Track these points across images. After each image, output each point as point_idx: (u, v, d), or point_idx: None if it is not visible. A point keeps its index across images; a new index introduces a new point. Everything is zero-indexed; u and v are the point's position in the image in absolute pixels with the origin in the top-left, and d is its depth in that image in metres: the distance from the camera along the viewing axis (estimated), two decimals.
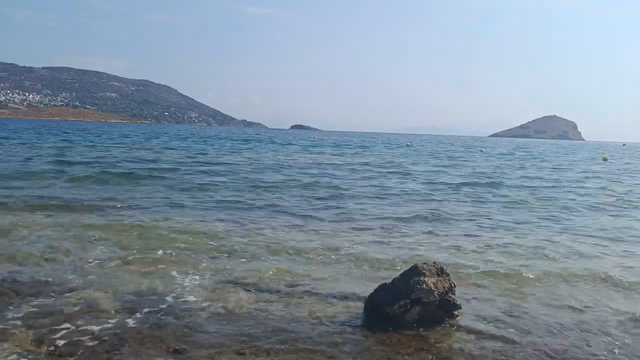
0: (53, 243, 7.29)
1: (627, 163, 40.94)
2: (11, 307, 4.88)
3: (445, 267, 5.17)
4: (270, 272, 6.35)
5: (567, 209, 12.86)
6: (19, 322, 4.53)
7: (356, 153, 39.58)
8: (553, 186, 18.73)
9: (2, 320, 4.55)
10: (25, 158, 21.96)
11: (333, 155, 35.63)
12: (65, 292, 5.36)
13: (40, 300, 5.11)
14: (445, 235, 8.95)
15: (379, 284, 5.23)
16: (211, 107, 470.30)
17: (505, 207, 12.86)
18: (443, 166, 28.27)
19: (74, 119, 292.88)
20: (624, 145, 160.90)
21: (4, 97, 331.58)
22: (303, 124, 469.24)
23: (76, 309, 4.91)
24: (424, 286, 4.83)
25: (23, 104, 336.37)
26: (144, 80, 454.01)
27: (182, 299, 5.32)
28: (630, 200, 15.08)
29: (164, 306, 5.11)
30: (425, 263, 5.17)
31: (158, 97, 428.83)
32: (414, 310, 4.83)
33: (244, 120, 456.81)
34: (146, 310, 4.98)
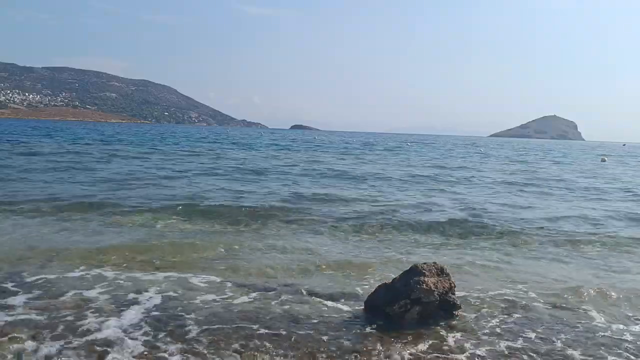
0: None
1: None
2: (13, 307, 4.90)
3: (445, 267, 5.17)
4: (272, 272, 6.37)
5: None
6: (19, 322, 4.54)
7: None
8: None
9: (3, 320, 4.56)
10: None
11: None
12: (66, 291, 5.38)
13: (41, 299, 5.13)
14: None
15: (379, 284, 5.24)
16: (211, 107, 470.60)
17: None
18: None
19: (74, 119, 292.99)
20: (623, 145, 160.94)
21: (4, 97, 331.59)
22: (303, 124, 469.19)
23: (77, 307, 4.93)
24: (424, 286, 4.83)
25: (23, 104, 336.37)
26: (144, 80, 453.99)
27: (183, 299, 5.33)
28: None
29: (165, 305, 5.12)
30: (425, 263, 5.17)
31: (158, 97, 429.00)
32: (414, 310, 4.83)
33: (243, 120, 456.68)
34: (146, 309, 4.99)
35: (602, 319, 5.21)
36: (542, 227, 9.89)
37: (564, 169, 30.42)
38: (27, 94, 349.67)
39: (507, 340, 4.59)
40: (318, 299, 5.48)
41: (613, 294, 5.87)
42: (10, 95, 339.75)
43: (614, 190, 17.74)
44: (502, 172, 24.65)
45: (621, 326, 5.03)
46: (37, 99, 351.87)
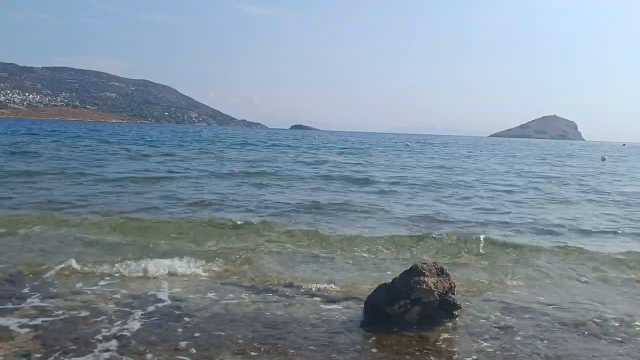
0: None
1: None
2: (13, 308, 4.90)
3: (445, 268, 5.17)
4: (271, 273, 6.38)
5: None
6: (20, 323, 4.54)
7: None
8: None
9: (3, 321, 4.57)
10: None
11: None
12: (68, 291, 5.39)
13: (42, 301, 5.13)
14: None
15: (379, 284, 5.24)
16: (211, 107, 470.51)
17: None
18: None
19: (74, 119, 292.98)
20: (623, 145, 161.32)
21: (4, 97, 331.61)
22: (303, 124, 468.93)
23: (77, 309, 4.93)
24: (424, 286, 4.83)
25: (23, 104, 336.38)
26: (144, 80, 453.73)
27: (183, 299, 5.34)
28: None
29: (165, 306, 5.13)
30: (425, 263, 5.17)
31: (158, 97, 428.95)
32: (414, 310, 4.83)
33: (243, 120, 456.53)
34: (147, 310, 4.99)
35: (606, 325, 5.19)
36: (548, 233, 9.83)
37: (570, 170, 30.41)
38: (27, 94, 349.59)
39: (507, 341, 4.59)
40: (318, 300, 5.48)
41: (618, 306, 5.77)
42: (10, 95, 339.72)
43: (616, 194, 17.68)
44: (507, 175, 24.40)
45: (624, 330, 5.04)
46: (37, 99, 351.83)
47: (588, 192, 17.13)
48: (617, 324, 5.08)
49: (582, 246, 8.44)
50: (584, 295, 6.00)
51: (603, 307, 5.56)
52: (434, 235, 8.78)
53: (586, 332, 4.85)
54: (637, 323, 5.13)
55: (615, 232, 9.98)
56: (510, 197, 14.97)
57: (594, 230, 10.18)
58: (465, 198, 14.36)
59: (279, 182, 16.70)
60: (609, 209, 13.24)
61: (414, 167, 26.47)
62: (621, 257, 7.79)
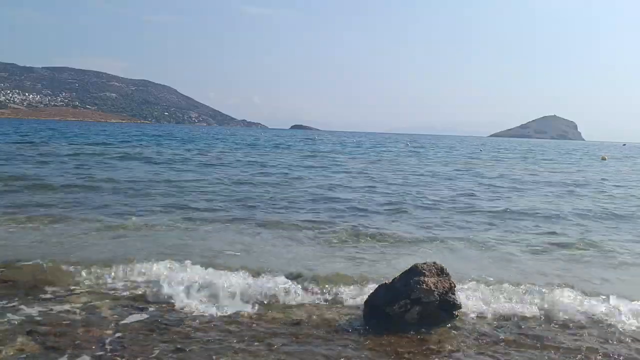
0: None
1: None
2: (12, 308, 4.90)
3: (445, 267, 5.17)
4: (270, 273, 6.37)
5: None
6: (19, 323, 4.54)
7: None
8: None
9: (2, 321, 4.56)
10: None
11: None
12: (67, 293, 5.38)
13: (41, 301, 5.13)
14: None
15: (379, 284, 5.24)
16: (211, 107, 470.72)
17: None
18: None
19: (74, 119, 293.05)
20: (624, 145, 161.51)
21: (4, 97, 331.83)
22: (303, 124, 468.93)
23: (77, 310, 4.93)
24: (424, 286, 4.83)
25: (23, 104, 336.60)
26: (144, 80, 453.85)
27: (183, 300, 5.33)
28: None
29: (165, 307, 5.12)
30: (425, 263, 5.17)
31: (158, 97, 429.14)
32: (414, 310, 4.83)
33: (243, 120, 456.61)
34: (147, 311, 4.99)
35: (610, 326, 5.19)
36: (553, 233, 9.80)
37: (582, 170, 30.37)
38: (27, 94, 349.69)
39: (507, 340, 4.58)
40: (318, 300, 5.48)
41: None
42: (10, 95, 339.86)
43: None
44: (513, 180, 23.83)
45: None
46: (37, 99, 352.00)
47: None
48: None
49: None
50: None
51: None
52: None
53: (587, 333, 4.85)
54: None
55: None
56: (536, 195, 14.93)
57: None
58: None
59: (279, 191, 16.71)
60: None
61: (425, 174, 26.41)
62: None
